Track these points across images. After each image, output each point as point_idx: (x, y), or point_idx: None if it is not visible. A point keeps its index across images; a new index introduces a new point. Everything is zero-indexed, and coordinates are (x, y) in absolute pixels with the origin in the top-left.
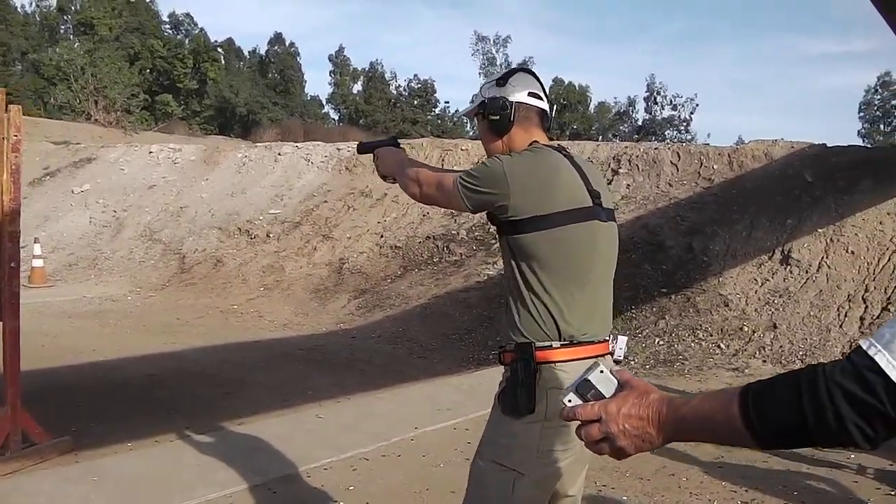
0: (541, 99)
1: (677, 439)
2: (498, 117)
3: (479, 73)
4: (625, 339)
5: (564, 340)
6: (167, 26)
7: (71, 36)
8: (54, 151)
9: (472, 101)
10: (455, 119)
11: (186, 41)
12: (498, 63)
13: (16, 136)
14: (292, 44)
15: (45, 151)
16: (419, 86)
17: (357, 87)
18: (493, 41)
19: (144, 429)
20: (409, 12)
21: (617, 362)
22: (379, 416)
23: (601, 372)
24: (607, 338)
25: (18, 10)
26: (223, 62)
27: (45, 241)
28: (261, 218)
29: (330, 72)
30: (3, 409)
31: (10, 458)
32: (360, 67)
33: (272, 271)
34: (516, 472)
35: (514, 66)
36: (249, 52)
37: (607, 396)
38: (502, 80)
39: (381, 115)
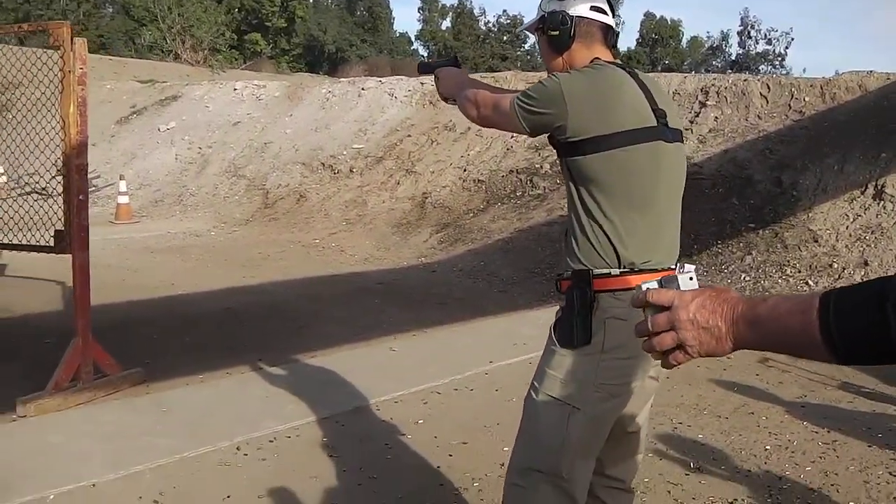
0: (604, 13)
1: (747, 345)
2: (557, 33)
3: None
4: (692, 267)
5: (624, 268)
6: None
7: None
8: (141, 90)
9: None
10: None
11: None
12: None
13: (81, 68)
14: None
15: (131, 90)
16: (508, 21)
17: (446, 24)
18: None
19: (217, 361)
20: None
21: None
22: (454, 350)
23: (690, 278)
24: (673, 266)
25: None
26: (311, 0)
27: (132, 178)
28: (344, 153)
29: (418, 8)
30: (75, 341)
31: (81, 388)
32: (448, 3)
33: (354, 206)
34: (571, 407)
35: None
36: None
37: None
38: None
39: (470, 52)
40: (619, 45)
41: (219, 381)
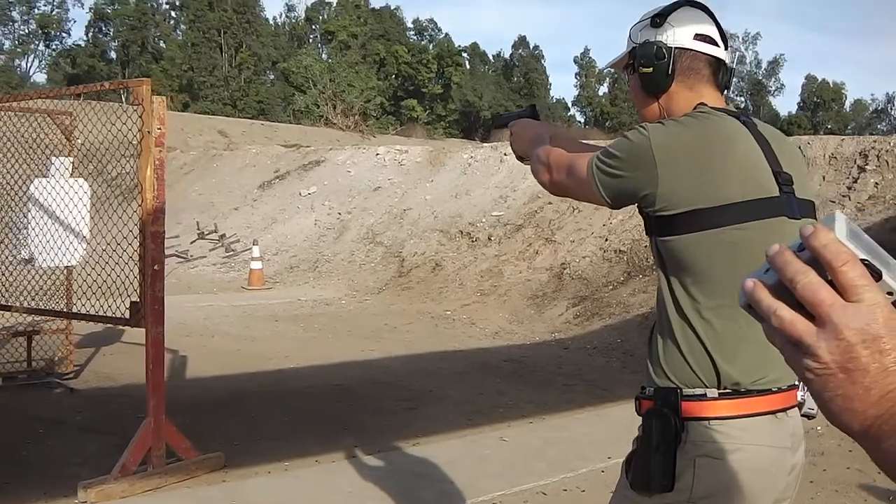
0: (714, 44)
1: (875, 453)
2: (651, 69)
3: None
4: None
5: (725, 388)
6: (412, 32)
7: (319, 45)
8: (285, 154)
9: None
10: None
11: (431, 46)
12: (747, 61)
13: (160, 129)
14: (536, 46)
15: (276, 155)
16: None
17: (603, 90)
18: (742, 38)
19: (310, 446)
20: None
21: (808, 417)
22: (571, 440)
23: (888, 293)
24: (795, 384)
25: (269, 21)
26: (467, 66)
27: (270, 243)
28: (483, 220)
29: (575, 74)
30: (146, 422)
31: (150, 473)
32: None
33: (490, 276)
34: None
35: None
36: (494, 55)
37: None
38: (659, 19)
39: (626, 117)
40: (776, 104)
41: (305, 469)
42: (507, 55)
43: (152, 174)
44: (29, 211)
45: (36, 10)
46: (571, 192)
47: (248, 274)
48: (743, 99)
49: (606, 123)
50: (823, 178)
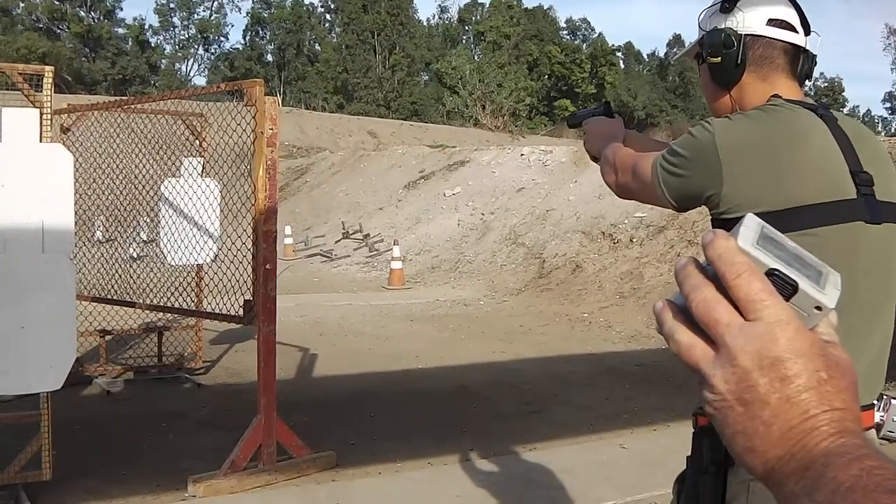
0: (791, 29)
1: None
2: (719, 59)
3: (892, 69)
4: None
5: None
6: (565, 32)
7: (472, 46)
8: (430, 155)
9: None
10: (866, 119)
11: (584, 46)
12: None
13: (272, 129)
14: None
15: (422, 155)
16: (826, 84)
17: None
18: None
19: (426, 447)
20: (820, 8)
21: (889, 441)
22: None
23: (816, 307)
24: (873, 402)
25: (423, 22)
26: (621, 66)
27: (413, 243)
28: (626, 221)
29: None
30: (257, 419)
31: (259, 470)
32: None
33: (630, 278)
34: None
35: None
36: (648, 54)
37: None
38: (728, 4)
39: None
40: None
41: (415, 472)
42: (661, 54)
43: (264, 174)
44: (160, 210)
45: (196, 16)
46: (637, 195)
47: (389, 273)
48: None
49: None
50: None
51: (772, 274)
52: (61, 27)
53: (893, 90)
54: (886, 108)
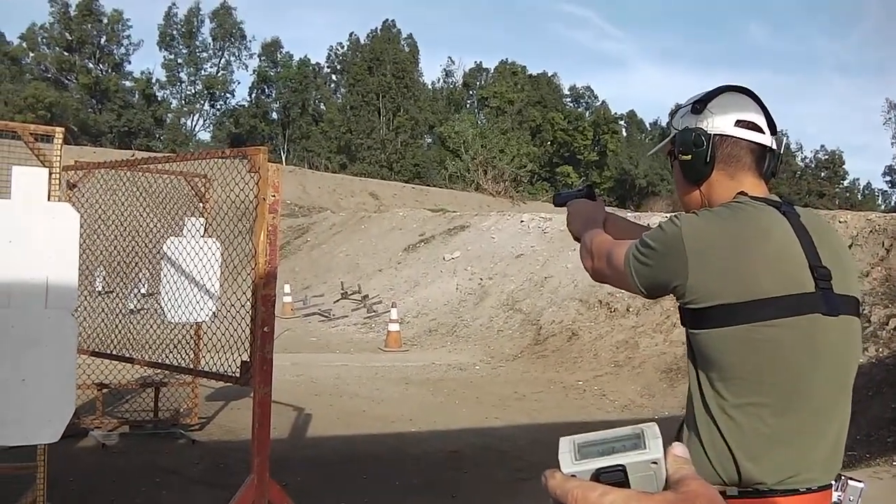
0: (758, 130)
1: None
2: (690, 157)
3: (892, 143)
4: (861, 486)
5: (746, 487)
6: (568, 99)
7: (476, 111)
8: (431, 218)
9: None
10: (866, 192)
11: (587, 114)
12: None
13: (273, 196)
14: None
15: (423, 218)
16: (826, 157)
17: None
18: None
19: None
20: (822, 82)
21: None
22: None
23: (651, 462)
24: (831, 483)
25: (428, 85)
26: (623, 133)
27: (412, 305)
28: (622, 291)
29: None
30: (249, 479)
31: None
32: None
33: (626, 347)
34: None
35: None
36: (651, 123)
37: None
38: (699, 105)
39: (784, 188)
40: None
41: None
42: (664, 123)
43: (265, 239)
44: (161, 268)
45: (203, 72)
46: (610, 280)
47: (386, 335)
48: None
49: None
50: None
51: (601, 473)
52: (69, 78)
53: (893, 164)
54: (886, 182)
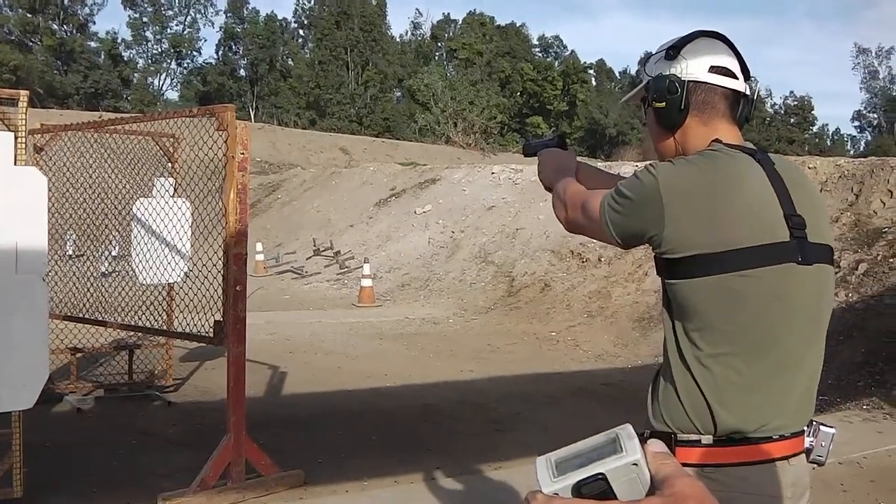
0: (732, 76)
1: None
2: (664, 104)
3: (860, 89)
4: (832, 431)
5: (721, 435)
6: (537, 49)
7: (444, 63)
8: (401, 172)
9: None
10: (835, 138)
11: (556, 63)
12: (881, 76)
13: (243, 153)
14: None
15: (392, 173)
16: (795, 103)
17: None
18: (875, 53)
19: (393, 466)
20: (791, 26)
21: (818, 464)
22: None
23: (631, 465)
24: (803, 429)
25: (396, 39)
26: (593, 83)
27: (384, 260)
28: (594, 241)
29: None
30: (226, 438)
31: (228, 488)
32: None
33: (598, 297)
34: None
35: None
36: (620, 72)
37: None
38: (673, 51)
39: (754, 135)
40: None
41: (381, 490)
42: (633, 72)
43: (235, 197)
44: (132, 230)
45: (168, 30)
46: (585, 231)
47: (359, 291)
48: (876, 115)
49: None
50: None
51: (582, 485)
52: (34, 40)
53: (862, 109)
54: (855, 127)
